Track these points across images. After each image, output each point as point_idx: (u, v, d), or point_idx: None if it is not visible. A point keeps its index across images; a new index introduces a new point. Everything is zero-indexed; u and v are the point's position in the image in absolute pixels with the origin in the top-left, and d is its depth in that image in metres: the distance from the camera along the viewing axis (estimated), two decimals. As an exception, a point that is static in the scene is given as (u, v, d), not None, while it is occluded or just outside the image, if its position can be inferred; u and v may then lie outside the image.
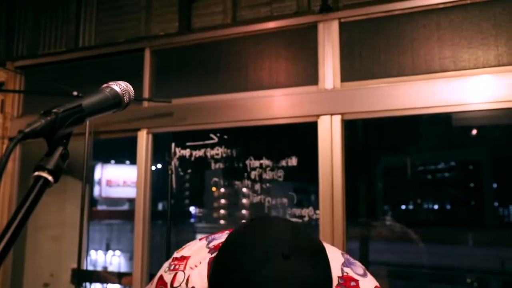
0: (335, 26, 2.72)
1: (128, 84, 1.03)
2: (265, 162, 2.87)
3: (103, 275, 4.12)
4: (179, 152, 2.99)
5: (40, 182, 0.79)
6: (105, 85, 0.99)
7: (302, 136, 2.92)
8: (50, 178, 0.80)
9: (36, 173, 0.80)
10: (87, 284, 4.31)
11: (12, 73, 3.60)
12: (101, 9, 3.35)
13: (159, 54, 3.18)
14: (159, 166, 3.31)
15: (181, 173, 3.06)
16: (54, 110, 0.83)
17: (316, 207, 2.69)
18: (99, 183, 14.16)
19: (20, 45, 3.61)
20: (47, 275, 3.79)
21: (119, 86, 1.00)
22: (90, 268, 4.57)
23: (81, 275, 3.04)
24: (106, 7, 3.33)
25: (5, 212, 3.51)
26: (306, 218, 2.76)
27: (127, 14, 3.23)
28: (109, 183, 14.07)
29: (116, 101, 0.98)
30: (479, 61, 2.46)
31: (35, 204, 0.78)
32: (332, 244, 2.51)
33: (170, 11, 3.09)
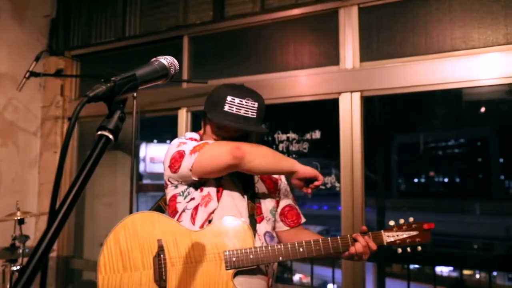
0: (354, 11, 2.67)
1: (174, 59, 1.05)
2: (292, 135, 2.88)
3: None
4: (215, 127, 3.03)
5: (102, 139, 0.82)
6: (154, 59, 1.02)
7: (324, 111, 2.89)
8: (111, 136, 0.83)
9: (99, 132, 0.83)
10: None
11: (69, 61, 3.68)
12: (144, 2, 3.37)
13: (196, 40, 3.19)
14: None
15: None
16: (113, 78, 0.86)
17: (337, 175, 2.69)
18: (144, 160, 14.47)
19: (75, 36, 3.68)
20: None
21: (166, 60, 1.03)
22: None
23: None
24: (148, 0, 3.35)
25: (67, 182, 3.63)
26: (329, 185, 2.76)
27: (167, 6, 3.24)
28: (152, 160, 14.38)
29: (164, 73, 1.01)
30: (488, 40, 2.39)
31: (99, 158, 0.81)
32: (352, 213, 2.53)
33: (205, 1, 3.08)
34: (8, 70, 3.39)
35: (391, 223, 1.54)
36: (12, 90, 3.25)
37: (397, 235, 1.51)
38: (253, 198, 1.64)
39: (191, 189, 1.60)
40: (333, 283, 3.21)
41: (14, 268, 2.49)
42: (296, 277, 8.64)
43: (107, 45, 3.50)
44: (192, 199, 1.59)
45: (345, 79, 2.64)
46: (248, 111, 1.53)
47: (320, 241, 1.51)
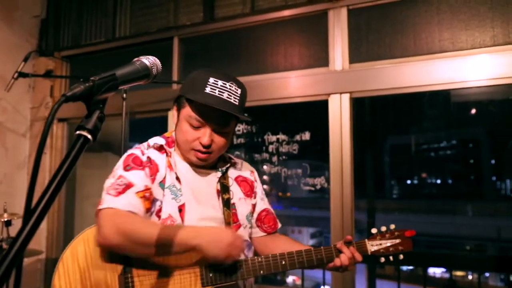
0: (344, 12, 2.69)
1: (156, 59, 1.05)
2: (282, 136, 2.88)
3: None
4: (205, 128, 3.02)
5: (81, 139, 0.82)
6: (136, 59, 1.01)
7: (314, 113, 2.90)
8: (89, 136, 0.83)
9: (78, 132, 0.83)
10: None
11: (59, 62, 3.67)
12: (135, 2, 3.36)
13: (186, 41, 3.18)
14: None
15: (207, 147, 3.09)
16: (92, 78, 0.86)
17: (327, 177, 2.69)
18: (137, 161, 14.36)
19: (65, 37, 3.66)
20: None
21: (148, 60, 1.02)
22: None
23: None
24: (139, 1, 3.34)
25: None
26: (318, 186, 2.77)
27: (158, 6, 3.23)
28: (145, 162, 14.29)
29: (145, 73, 1.00)
30: (476, 41, 2.41)
31: (76, 158, 0.81)
32: (342, 215, 2.53)
33: (196, 2, 3.08)
34: (-4, 70, 3.37)
35: (374, 231, 1.51)
36: (1, 91, 3.23)
37: (381, 244, 1.49)
38: (228, 204, 1.49)
39: (148, 215, 1.39)
40: (324, 284, 3.21)
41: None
42: (290, 279, 8.65)
43: (97, 46, 3.49)
44: None
45: (334, 81, 2.65)
46: (231, 96, 1.36)
47: (303, 253, 1.42)
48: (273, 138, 2.90)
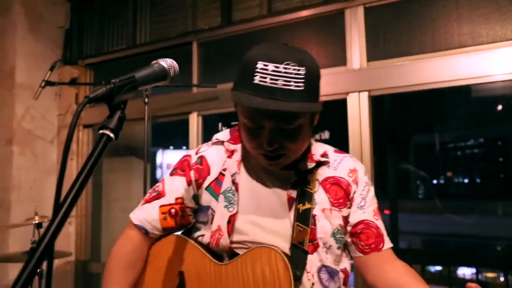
0: (360, 11, 2.69)
1: (174, 61, 1.09)
2: (301, 136, 2.90)
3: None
4: (225, 130, 3.07)
5: (104, 138, 0.87)
6: (154, 61, 1.06)
7: (333, 112, 2.91)
8: (112, 135, 0.88)
9: (101, 131, 0.88)
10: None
11: (83, 70, 3.80)
12: (154, 10, 3.45)
13: (205, 45, 3.25)
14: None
15: (228, 149, 3.13)
16: (113, 80, 0.91)
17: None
18: (161, 166, 14.63)
19: (88, 45, 3.79)
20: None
21: (166, 62, 1.06)
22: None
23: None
24: (157, 8, 3.43)
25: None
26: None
27: (176, 13, 3.31)
28: (169, 166, 14.48)
29: (163, 74, 1.05)
30: (497, 35, 2.38)
31: (100, 156, 0.85)
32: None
33: (213, 7, 3.15)
34: (25, 80, 3.52)
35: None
36: (29, 100, 3.36)
37: None
38: (306, 217, 1.16)
39: (198, 224, 1.28)
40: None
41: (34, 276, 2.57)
42: None
43: (118, 53, 3.60)
44: (202, 236, 1.26)
45: (352, 79, 2.66)
46: (289, 81, 1.03)
47: None
48: (293, 138, 2.92)
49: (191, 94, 3.19)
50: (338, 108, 2.74)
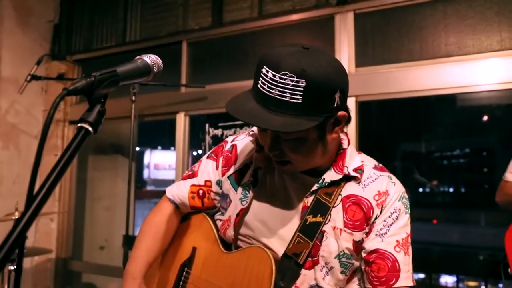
0: (350, 17, 2.71)
1: (158, 57, 1.07)
2: (287, 140, 2.90)
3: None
4: (212, 131, 3.06)
5: (82, 131, 0.85)
6: (138, 57, 1.05)
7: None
8: (90, 129, 0.86)
9: (80, 124, 0.86)
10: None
11: (71, 65, 3.76)
12: (145, 8, 3.44)
13: (194, 46, 3.24)
14: (199, 152, 3.31)
15: (214, 150, 3.11)
16: (93, 74, 0.90)
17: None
18: (148, 166, 14.54)
19: (77, 41, 3.75)
20: (102, 240, 3.96)
21: (150, 58, 1.04)
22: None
23: (130, 241, 3.14)
24: (148, 7, 3.42)
25: (68, 183, 3.68)
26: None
27: (167, 11, 3.30)
28: (156, 167, 14.45)
29: (146, 70, 1.03)
30: (482, 46, 2.42)
31: (77, 149, 0.84)
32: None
33: (204, 7, 3.14)
34: (10, 74, 3.47)
35: None
36: (15, 94, 3.32)
37: None
38: (313, 230, 1.09)
39: (221, 209, 1.30)
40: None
41: (12, 268, 2.53)
42: None
43: (108, 50, 3.57)
44: (220, 220, 1.29)
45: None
46: (285, 92, 0.96)
47: None
48: (279, 141, 2.93)
49: (179, 93, 3.18)
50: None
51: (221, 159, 1.29)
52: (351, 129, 2.61)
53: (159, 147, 14.50)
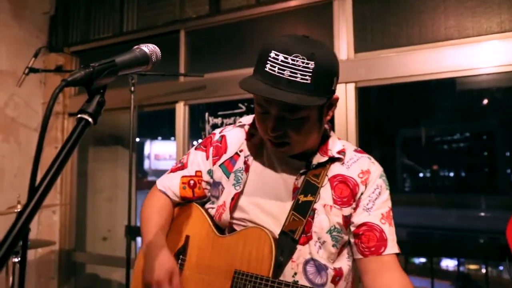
0: (348, 2, 2.69)
1: (156, 46, 1.07)
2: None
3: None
4: (212, 120, 3.05)
5: (82, 122, 0.85)
6: (136, 46, 1.05)
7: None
8: (90, 119, 0.86)
9: (79, 115, 0.86)
10: (138, 238, 4.50)
11: (68, 57, 3.74)
12: (141, -2, 3.41)
13: (192, 34, 3.22)
14: (199, 141, 3.30)
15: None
16: (92, 64, 0.89)
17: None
18: (149, 157, 14.58)
19: (74, 32, 3.72)
20: (105, 231, 3.98)
21: (148, 48, 1.05)
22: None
23: (132, 231, 3.16)
24: (145, -4, 3.39)
25: (69, 175, 3.69)
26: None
27: (164, 0, 3.26)
28: (157, 157, 14.49)
29: (145, 60, 1.03)
30: (482, 28, 2.40)
31: (78, 140, 0.84)
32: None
33: (201, -5, 3.12)
34: (8, 67, 3.45)
35: None
36: (13, 87, 3.30)
37: None
38: (305, 209, 1.20)
39: (212, 198, 1.39)
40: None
41: (16, 260, 2.55)
42: None
43: (105, 40, 3.55)
44: (212, 208, 1.36)
45: (339, 70, 2.65)
46: (296, 73, 1.06)
47: None
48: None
49: (178, 83, 3.16)
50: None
51: (211, 149, 1.38)
52: (351, 115, 2.61)
53: (159, 138, 14.51)
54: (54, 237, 3.55)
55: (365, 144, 2.76)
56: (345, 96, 2.63)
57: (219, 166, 1.34)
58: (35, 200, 0.74)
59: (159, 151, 14.32)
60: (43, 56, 3.63)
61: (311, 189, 1.22)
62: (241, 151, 1.33)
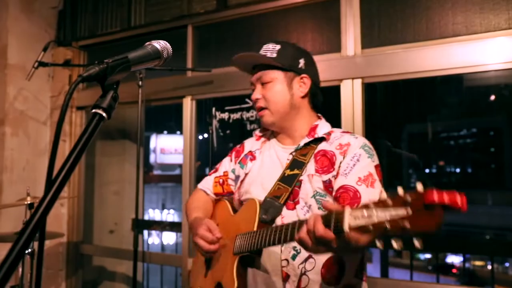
0: (356, -2, 2.69)
1: (167, 43, 1.10)
2: (294, 122, 2.91)
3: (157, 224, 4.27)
4: (219, 115, 3.08)
5: (96, 117, 0.88)
6: (148, 43, 1.08)
7: (326, 98, 2.93)
8: (104, 114, 0.89)
9: (94, 110, 0.89)
10: (145, 231, 4.54)
11: (77, 51, 3.77)
12: (149, -8, 3.42)
13: (200, 29, 3.24)
14: (205, 135, 3.34)
15: (221, 134, 3.13)
16: (106, 60, 0.92)
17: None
18: (154, 151, 14.64)
19: (82, 27, 3.75)
20: (112, 224, 4.02)
21: (159, 44, 1.08)
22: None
23: (139, 224, 3.20)
24: (153, -10, 3.40)
25: (76, 172, 3.73)
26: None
27: (171, -5, 3.28)
28: (162, 151, 14.55)
29: (156, 56, 1.06)
30: (490, 24, 2.39)
31: (92, 134, 0.87)
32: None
33: (209, -10, 3.13)
34: (18, 61, 3.49)
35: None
36: (22, 81, 3.34)
37: (372, 216, 0.89)
38: (290, 180, 1.44)
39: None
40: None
41: (27, 251, 2.59)
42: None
43: (113, 35, 3.57)
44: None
45: (346, 66, 2.67)
46: (266, 51, 1.60)
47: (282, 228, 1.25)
48: (286, 124, 2.94)
49: (186, 78, 3.18)
50: (330, 94, 2.75)
51: (233, 153, 1.83)
52: (357, 111, 2.62)
53: (165, 132, 14.56)
54: (63, 230, 3.60)
55: (371, 139, 2.77)
56: (352, 92, 2.64)
57: (238, 162, 1.75)
58: (52, 192, 0.77)
59: (165, 145, 14.37)
60: (51, 50, 3.67)
61: (297, 165, 1.47)
62: (253, 148, 1.73)
